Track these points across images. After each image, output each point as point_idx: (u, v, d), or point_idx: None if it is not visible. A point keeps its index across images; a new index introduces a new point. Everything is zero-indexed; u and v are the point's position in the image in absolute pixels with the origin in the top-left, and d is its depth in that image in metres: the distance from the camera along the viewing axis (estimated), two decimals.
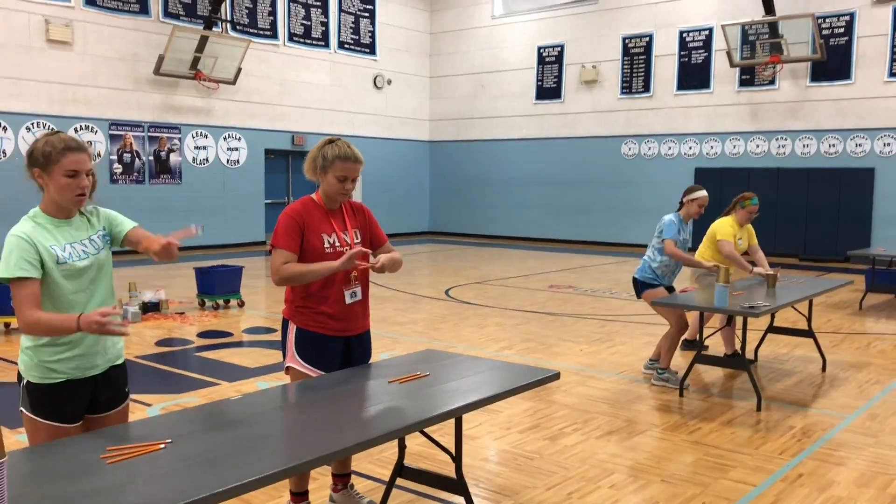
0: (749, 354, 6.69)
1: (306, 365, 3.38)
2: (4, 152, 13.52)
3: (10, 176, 13.47)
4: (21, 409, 2.76)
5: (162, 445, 2.34)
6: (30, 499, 1.94)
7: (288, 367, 3.46)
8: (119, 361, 2.93)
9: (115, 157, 14.93)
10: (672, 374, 5.99)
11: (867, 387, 6.04)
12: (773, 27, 15.43)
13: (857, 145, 15.43)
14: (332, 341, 3.41)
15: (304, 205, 3.38)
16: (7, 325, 7.76)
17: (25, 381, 2.74)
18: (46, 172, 2.67)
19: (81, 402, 2.79)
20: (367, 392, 3.12)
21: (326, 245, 3.35)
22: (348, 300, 3.40)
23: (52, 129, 2.85)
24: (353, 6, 19.19)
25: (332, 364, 3.41)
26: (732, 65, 16.21)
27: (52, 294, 2.70)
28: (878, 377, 6.33)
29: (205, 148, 16.47)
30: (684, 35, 17.29)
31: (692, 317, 6.94)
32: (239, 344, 7.53)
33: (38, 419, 2.70)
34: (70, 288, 2.72)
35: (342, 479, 3.66)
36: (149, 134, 15.48)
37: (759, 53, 15.93)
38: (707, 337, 6.52)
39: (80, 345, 2.74)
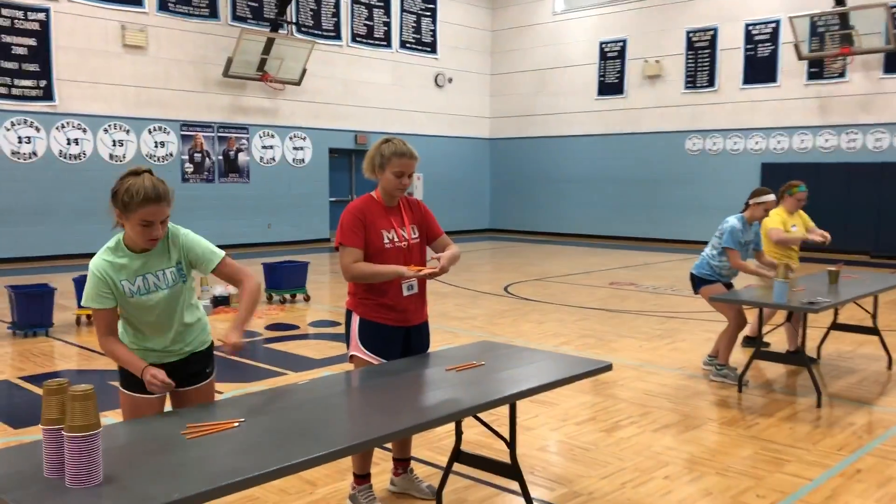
0: (812, 352, 6.63)
1: (369, 353, 3.55)
2: (84, 153, 14.17)
3: (91, 176, 14.14)
4: (117, 385, 3.08)
5: (236, 424, 2.54)
6: (120, 468, 2.14)
7: (352, 356, 3.63)
8: (201, 348, 3.15)
9: (186, 157, 15.48)
10: (731, 370, 5.98)
11: None
12: (843, 18, 15.05)
13: None
14: (392, 331, 3.57)
15: (365, 202, 3.55)
16: (90, 316, 8.20)
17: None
18: (125, 216, 2.84)
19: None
20: (425, 379, 3.27)
21: (386, 241, 3.51)
22: (405, 292, 3.56)
23: (140, 166, 3.02)
24: (415, 5, 19.43)
25: (393, 352, 3.57)
26: (800, 58, 15.86)
27: (128, 317, 2.98)
28: None
29: (271, 147, 16.93)
30: (750, 28, 16.98)
31: (752, 314, 6.90)
32: (305, 336, 7.80)
33: (128, 392, 2.99)
34: (142, 316, 2.97)
35: (402, 463, 3.82)
36: (218, 134, 16.00)
37: (828, 45, 15.55)
38: (767, 332, 6.48)
39: (156, 352, 3.03)
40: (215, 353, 3.25)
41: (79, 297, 8.09)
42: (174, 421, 2.62)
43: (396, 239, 3.54)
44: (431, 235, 3.70)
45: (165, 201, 2.84)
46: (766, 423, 4.96)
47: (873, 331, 6.53)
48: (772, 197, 6.09)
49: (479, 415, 3.09)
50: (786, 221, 6.56)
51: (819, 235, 6.63)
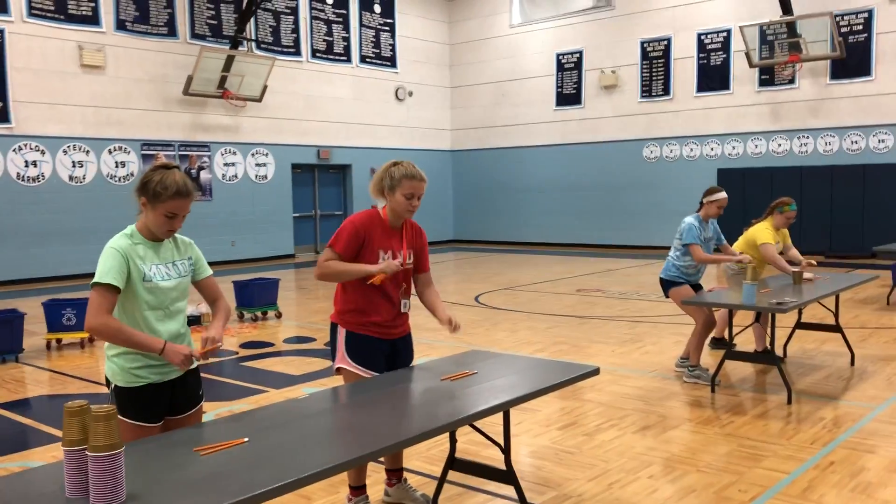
0: (778, 351, 6.85)
1: (355, 365, 3.62)
2: (43, 175, 13.96)
3: (49, 198, 13.96)
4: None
5: (246, 439, 2.59)
6: (141, 486, 2.19)
7: (339, 368, 3.70)
8: (193, 366, 3.19)
9: None
10: (703, 370, 6.17)
11: (895, 379, 6.18)
12: (791, 27, 15.55)
13: (879, 141, 15.48)
14: (378, 343, 3.65)
15: (371, 218, 3.61)
16: (83, 339, 8.13)
17: (113, 385, 3.01)
18: (151, 205, 2.94)
19: (163, 403, 3.06)
20: (421, 390, 3.35)
21: (381, 261, 3.58)
22: (403, 309, 3.65)
23: (170, 161, 3.11)
24: (374, 21, 19.55)
25: (380, 363, 3.64)
26: (751, 65, 16.33)
27: (127, 305, 2.96)
28: None
29: (233, 164, 16.86)
30: (702, 37, 17.44)
31: (720, 315, 7.11)
32: (280, 353, 7.80)
33: (126, 420, 2.96)
34: (149, 303, 2.98)
35: (396, 473, 3.89)
36: (179, 152, 15.88)
37: (777, 53, 16.04)
38: (737, 334, 6.69)
39: (154, 366, 3.04)
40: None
41: (48, 322, 8.01)
42: (180, 440, 2.66)
43: (391, 260, 3.61)
44: (419, 268, 3.80)
45: (191, 197, 3.01)
46: (740, 421, 5.14)
47: (836, 328, 6.78)
48: (723, 194, 6.29)
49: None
50: (774, 237, 6.71)
51: (805, 268, 6.73)
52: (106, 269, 2.88)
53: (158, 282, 2.99)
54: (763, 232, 6.66)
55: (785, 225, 6.78)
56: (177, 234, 3.14)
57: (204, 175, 16.28)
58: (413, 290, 3.83)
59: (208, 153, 16.39)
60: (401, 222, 3.68)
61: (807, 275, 6.68)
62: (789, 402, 5.52)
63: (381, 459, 4.09)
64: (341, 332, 3.67)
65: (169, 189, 2.91)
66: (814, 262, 6.85)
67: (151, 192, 2.93)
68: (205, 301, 3.27)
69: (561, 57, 19.62)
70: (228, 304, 3.29)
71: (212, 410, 5.56)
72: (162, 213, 2.93)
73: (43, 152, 13.95)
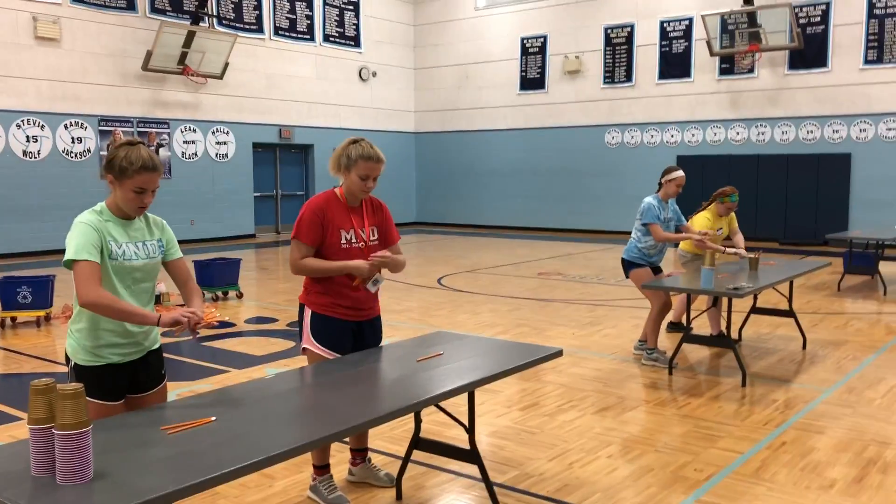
0: (733, 335, 7.01)
1: (320, 347, 3.62)
2: None
3: (2, 173, 13.64)
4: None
5: (213, 418, 2.60)
6: (108, 465, 2.18)
7: (304, 349, 3.70)
8: (156, 346, 3.18)
9: (104, 153, 15.04)
10: (661, 353, 6.30)
11: (845, 363, 6.38)
12: (751, 17, 15.79)
13: (834, 132, 15.84)
14: (344, 325, 3.65)
15: (327, 199, 3.59)
16: (38, 317, 7.98)
17: (73, 363, 2.98)
18: (118, 182, 2.91)
19: (123, 382, 3.04)
20: (386, 371, 3.38)
21: (343, 240, 3.57)
22: (371, 289, 3.65)
23: (134, 137, 3.05)
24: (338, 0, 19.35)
25: (345, 346, 3.65)
26: (712, 54, 16.56)
27: (113, 285, 2.93)
28: (855, 354, 6.68)
29: (193, 142, 16.61)
30: (665, 25, 17.61)
31: (677, 299, 7.26)
32: (241, 334, 7.76)
33: (92, 400, 2.92)
34: (115, 282, 2.95)
35: (360, 453, 3.93)
36: (138, 129, 15.60)
37: (738, 42, 16.28)
38: (693, 319, 6.84)
39: (135, 336, 3.01)
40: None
41: (3, 300, 7.86)
42: (147, 419, 2.66)
43: (354, 239, 3.59)
44: (387, 241, 3.77)
45: (159, 171, 2.98)
46: (696, 403, 5.27)
47: (789, 313, 6.97)
48: (680, 172, 6.39)
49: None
50: (711, 225, 6.87)
51: (736, 251, 6.92)
52: (81, 245, 2.85)
53: (125, 261, 2.96)
54: (700, 220, 6.88)
55: (727, 213, 6.97)
56: (149, 214, 3.11)
57: (163, 153, 16.02)
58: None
59: (168, 130, 16.12)
60: (359, 201, 3.66)
61: (735, 250, 6.87)
62: (744, 384, 5.68)
63: (346, 439, 4.11)
64: (307, 313, 3.67)
65: (135, 163, 2.89)
66: (747, 254, 6.94)
67: (118, 168, 2.90)
68: (174, 282, 3.23)
69: (525, 41, 19.65)
70: (198, 287, 3.28)
71: (174, 390, 5.52)
72: (130, 189, 2.91)
73: None
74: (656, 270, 6.50)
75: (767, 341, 7.18)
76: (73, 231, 2.90)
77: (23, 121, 13.92)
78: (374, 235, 3.68)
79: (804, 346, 6.90)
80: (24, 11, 13.82)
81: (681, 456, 4.29)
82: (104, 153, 14.98)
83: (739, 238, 7.11)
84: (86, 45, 14.68)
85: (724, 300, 6.27)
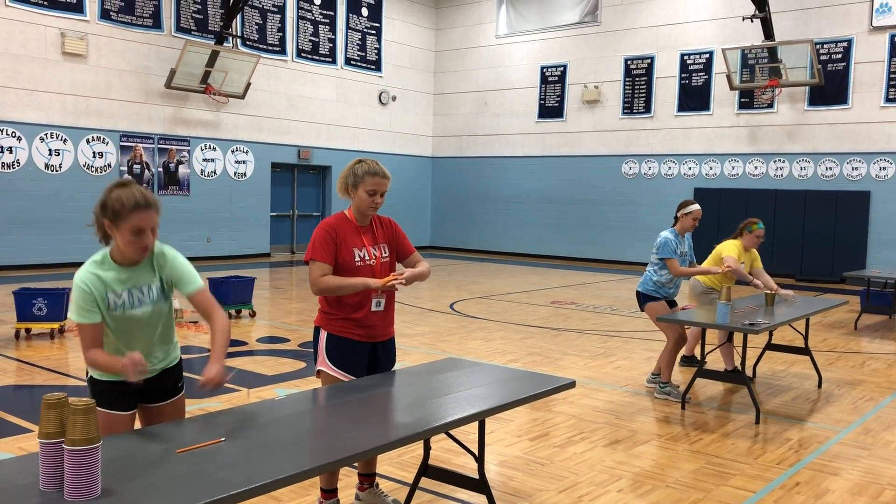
0: (747, 371, 6.94)
1: (335, 369, 3.62)
2: (18, 161, 13.78)
3: (24, 185, 13.80)
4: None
5: (223, 438, 2.59)
6: (116, 482, 2.17)
7: (319, 371, 3.70)
8: (173, 364, 3.19)
9: (125, 169, 15.19)
10: (674, 387, 6.24)
11: (861, 403, 6.29)
12: (772, 52, 15.79)
13: (853, 169, 15.76)
14: (359, 346, 3.65)
15: (338, 220, 3.65)
16: (53, 330, 8.03)
17: (89, 375, 3.03)
18: (115, 226, 2.83)
19: (134, 394, 3.05)
20: (397, 396, 3.36)
21: (357, 259, 3.60)
22: (373, 308, 3.66)
23: (125, 178, 3.01)
24: (361, 24, 19.55)
25: (360, 368, 3.65)
26: (732, 88, 16.56)
27: (108, 331, 2.95)
28: (872, 394, 6.59)
29: (213, 160, 16.75)
30: (685, 58, 17.65)
31: (692, 333, 7.20)
32: (253, 353, 7.76)
33: (100, 409, 2.94)
34: (122, 332, 2.95)
35: (368, 478, 3.90)
36: (158, 146, 15.76)
37: (758, 77, 16.28)
38: (707, 353, 6.77)
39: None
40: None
41: (19, 311, 7.91)
42: (156, 438, 2.65)
43: (367, 257, 3.63)
44: (403, 253, 3.80)
45: (155, 208, 2.88)
46: (709, 439, 5.20)
47: (805, 351, 6.89)
48: (696, 206, 6.38)
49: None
50: (739, 254, 6.82)
51: (767, 286, 6.84)
52: (78, 309, 2.85)
53: (127, 310, 2.92)
54: (728, 247, 6.79)
55: (754, 244, 6.89)
56: (154, 250, 2.99)
57: (182, 170, 16.16)
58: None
59: (188, 148, 16.28)
60: (368, 220, 3.70)
61: (785, 292, 6.81)
62: (757, 421, 5.60)
63: (355, 463, 4.08)
64: (323, 335, 3.69)
65: (127, 204, 2.78)
66: (783, 292, 6.91)
67: (111, 211, 2.80)
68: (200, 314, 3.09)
69: (545, 69, 19.75)
70: (226, 319, 3.06)
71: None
72: (127, 231, 2.81)
73: (19, 139, 13.76)
74: (671, 304, 6.46)
75: (782, 379, 7.10)
76: (73, 289, 2.88)
77: (46, 134, 14.10)
78: (385, 253, 3.72)
79: (819, 385, 6.81)
80: (52, 27, 14.05)
81: (692, 493, 4.22)
82: (123, 168, 15.14)
83: (767, 278, 6.99)
84: (111, 62, 14.89)
85: (739, 335, 6.21)
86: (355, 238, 3.63)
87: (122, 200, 2.80)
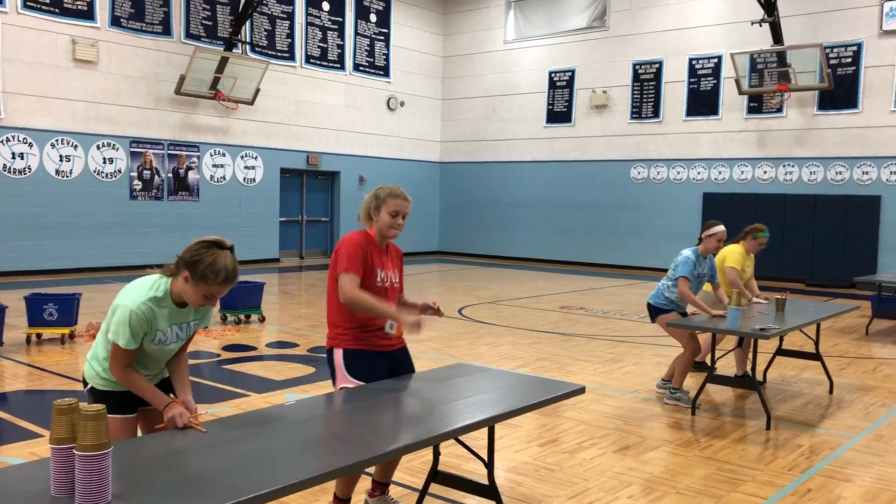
0: (758, 376, 6.91)
1: (356, 381, 3.58)
2: (30, 167, 13.86)
3: (35, 191, 13.88)
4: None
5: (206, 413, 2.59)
6: (131, 486, 2.18)
7: (342, 389, 3.60)
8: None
9: (134, 174, 15.26)
10: (684, 393, 6.21)
11: (873, 409, 6.24)
12: (781, 56, 15.75)
13: (863, 173, 15.69)
14: (378, 355, 3.66)
15: (367, 237, 3.67)
16: (63, 335, 8.06)
17: (90, 386, 3.07)
18: (194, 283, 2.90)
19: (136, 400, 3.09)
20: (407, 402, 3.36)
21: (379, 279, 3.63)
22: (387, 329, 3.67)
23: (223, 238, 3.06)
24: (369, 30, 19.61)
25: (382, 374, 3.65)
26: (741, 92, 16.51)
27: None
28: (884, 400, 6.54)
29: (222, 166, 16.81)
30: (694, 62, 17.63)
31: (703, 339, 7.16)
32: (262, 358, 7.77)
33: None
34: (153, 356, 3.06)
35: (381, 486, 3.88)
36: (168, 152, 15.82)
37: (767, 82, 16.23)
38: (718, 359, 6.74)
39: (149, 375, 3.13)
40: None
41: (30, 317, 7.94)
42: (167, 442, 2.66)
43: (385, 280, 3.67)
44: (400, 288, 3.87)
45: (235, 283, 2.99)
46: (719, 445, 5.18)
47: (816, 356, 6.85)
48: (721, 228, 6.33)
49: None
50: (743, 262, 6.80)
51: (760, 298, 6.91)
52: (130, 337, 2.88)
53: (166, 345, 3.03)
54: (733, 254, 6.77)
55: (756, 250, 6.90)
56: None
57: (192, 175, 16.22)
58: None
59: (197, 153, 16.34)
60: (385, 244, 3.74)
61: (758, 300, 6.81)
62: (768, 427, 5.57)
63: (370, 469, 4.08)
64: (338, 354, 3.65)
65: (219, 275, 2.88)
66: (765, 300, 6.91)
67: (199, 273, 2.88)
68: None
69: (553, 74, 19.75)
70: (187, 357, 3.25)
71: None
72: (202, 294, 2.92)
73: (31, 145, 13.84)
74: (683, 315, 6.42)
75: (793, 384, 7.06)
76: (125, 315, 2.88)
77: (57, 140, 14.18)
78: (396, 278, 3.77)
79: (831, 391, 6.77)
80: (63, 34, 14.14)
81: (703, 499, 4.20)
82: (133, 174, 15.20)
83: (752, 284, 7.02)
84: (121, 68, 14.97)
85: (750, 341, 6.18)
86: (378, 258, 3.66)
87: (216, 269, 2.87)
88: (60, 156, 14.24)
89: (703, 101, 17.55)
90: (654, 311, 6.44)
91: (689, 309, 6.47)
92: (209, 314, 3.20)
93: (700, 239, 6.37)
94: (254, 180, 17.47)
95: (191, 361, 7.24)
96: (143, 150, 15.40)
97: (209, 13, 16.24)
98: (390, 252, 3.79)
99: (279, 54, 17.59)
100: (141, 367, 3.05)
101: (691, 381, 6.86)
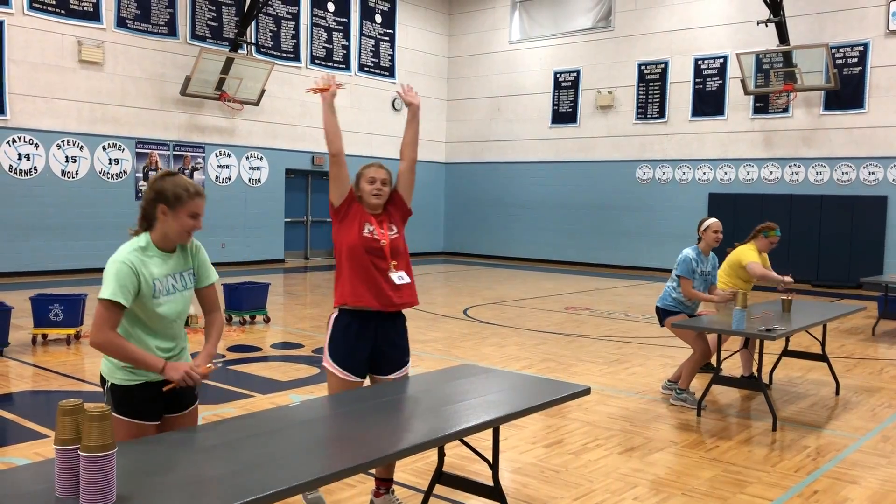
0: (764, 377, 6.88)
1: (335, 365, 3.67)
2: (36, 168, 13.89)
3: (41, 192, 13.91)
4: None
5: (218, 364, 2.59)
6: (135, 488, 2.18)
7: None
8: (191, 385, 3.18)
9: (140, 175, 15.29)
10: (690, 394, 6.19)
11: (879, 410, 6.22)
12: (787, 56, 15.70)
13: (870, 173, 15.63)
14: (364, 330, 3.68)
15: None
16: (69, 335, 8.09)
17: (109, 383, 2.99)
18: (172, 210, 2.92)
19: (159, 401, 3.02)
20: (412, 403, 3.35)
21: (366, 231, 3.80)
22: (397, 282, 3.72)
23: (170, 168, 3.14)
24: (374, 30, 19.62)
25: (359, 363, 3.69)
26: (747, 92, 16.47)
27: (139, 315, 2.94)
28: (891, 401, 6.51)
29: (228, 167, 16.83)
30: (699, 63, 17.59)
31: (710, 341, 7.14)
32: (267, 358, 7.78)
33: (122, 417, 2.93)
34: (156, 319, 2.98)
35: (385, 483, 3.88)
36: (174, 152, 15.85)
37: (773, 82, 16.18)
38: (724, 360, 6.71)
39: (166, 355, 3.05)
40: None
41: (35, 317, 7.96)
42: (170, 443, 2.65)
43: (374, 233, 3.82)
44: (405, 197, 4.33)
45: (204, 197, 3.05)
46: (725, 446, 5.16)
47: (822, 357, 6.82)
48: (713, 219, 6.40)
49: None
50: (758, 259, 6.80)
51: (790, 282, 6.88)
52: (117, 287, 2.83)
53: (165, 297, 2.97)
54: (747, 253, 6.76)
55: (767, 249, 6.88)
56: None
57: (197, 176, 16.24)
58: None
59: (203, 154, 16.36)
60: (378, 210, 3.91)
61: (789, 279, 6.79)
62: (774, 428, 5.55)
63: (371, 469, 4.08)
64: (332, 317, 3.74)
65: (189, 189, 2.95)
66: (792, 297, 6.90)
67: (172, 196, 2.91)
68: (201, 308, 3.23)
69: (558, 75, 19.73)
70: (223, 318, 3.23)
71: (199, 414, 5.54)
72: (186, 215, 2.94)
73: (37, 146, 13.88)
74: (691, 318, 6.41)
75: (799, 385, 7.03)
76: (112, 268, 2.86)
77: (63, 141, 14.21)
78: (393, 231, 3.93)
79: (837, 392, 6.74)
80: (69, 36, 14.18)
81: (709, 501, 4.18)
82: (139, 175, 15.23)
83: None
84: (127, 70, 15.01)
85: (756, 342, 6.16)
86: (367, 217, 3.91)
87: (183, 185, 2.95)
88: (66, 157, 14.28)
89: (708, 102, 17.51)
90: (663, 314, 6.42)
91: (699, 309, 6.45)
92: (206, 263, 3.16)
93: (699, 237, 6.38)
94: (259, 181, 17.49)
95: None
96: (148, 151, 15.43)
97: (214, 14, 16.26)
98: (390, 210, 3.98)
99: (284, 55, 17.61)
100: (157, 338, 2.98)
101: (697, 383, 6.84)
